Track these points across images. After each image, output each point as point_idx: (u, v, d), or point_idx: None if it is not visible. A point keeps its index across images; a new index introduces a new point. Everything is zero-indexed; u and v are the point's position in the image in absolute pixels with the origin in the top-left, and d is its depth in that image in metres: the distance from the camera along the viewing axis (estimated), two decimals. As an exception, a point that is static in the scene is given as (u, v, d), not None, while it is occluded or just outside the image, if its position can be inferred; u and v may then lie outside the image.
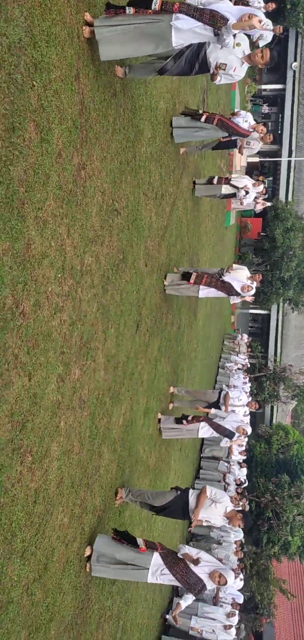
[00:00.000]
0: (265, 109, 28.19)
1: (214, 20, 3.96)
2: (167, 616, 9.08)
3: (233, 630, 9.21)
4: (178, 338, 9.56)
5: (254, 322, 32.31)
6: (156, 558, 4.73)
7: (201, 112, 7.44)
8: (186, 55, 4.54)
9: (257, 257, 25.27)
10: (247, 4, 8.89)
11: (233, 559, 12.00)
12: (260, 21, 4.17)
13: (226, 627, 9.16)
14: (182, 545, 5.00)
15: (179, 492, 5.69)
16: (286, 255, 24.36)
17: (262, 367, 26.65)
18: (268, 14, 8.53)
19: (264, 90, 27.87)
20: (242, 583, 10.78)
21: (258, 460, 24.12)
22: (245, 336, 20.13)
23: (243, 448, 14.44)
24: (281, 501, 20.37)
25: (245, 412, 9.23)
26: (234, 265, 8.25)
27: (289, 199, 26.22)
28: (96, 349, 4.67)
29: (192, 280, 7.92)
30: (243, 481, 13.59)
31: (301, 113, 26.19)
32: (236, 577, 10.93)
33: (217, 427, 7.68)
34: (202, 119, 7.08)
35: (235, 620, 9.37)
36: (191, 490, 5.71)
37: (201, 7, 4.05)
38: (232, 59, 4.96)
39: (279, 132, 28.23)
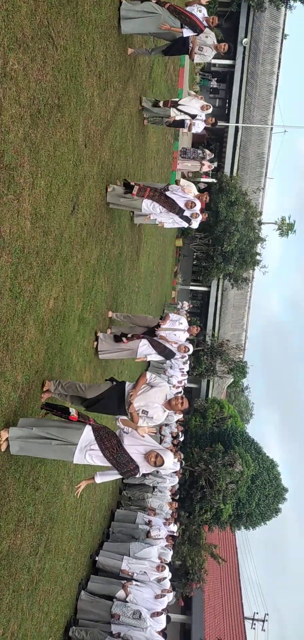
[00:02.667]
0: (214, 83, 28.07)
1: None
2: (97, 558, 8.49)
3: (166, 570, 8.79)
4: (120, 265, 8.96)
5: (194, 299, 32.42)
6: (87, 432, 4.13)
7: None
8: None
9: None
10: None
11: (166, 509, 11.67)
12: None
13: (159, 568, 8.72)
14: (121, 416, 4.44)
15: (114, 383, 5.10)
16: (228, 230, 24.49)
17: (200, 342, 26.72)
18: None
19: (214, 65, 27.65)
20: (176, 528, 10.43)
21: (192, 432, 24.13)
22: (186, 303, 19.89)
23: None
24: (215, 469, 20.40)
25: (187, 337, 8.82)
26: (182, 181, 7.81)
27: (234, 174, 26.39)
28: (21, 187, 3.94)
29: (135, 192, 7.46)
30: (179, 434, 13.33)
31: (249, 91, 26.30)
32: (169, 523, 10.60)
33: (157, 345, 7.17)
34: (153, 1, 6.50)
35: (168, 557, 8.97)
36: (127, 382, 5.14)
37: None
38: None
39: (227, 110, 28.33)
